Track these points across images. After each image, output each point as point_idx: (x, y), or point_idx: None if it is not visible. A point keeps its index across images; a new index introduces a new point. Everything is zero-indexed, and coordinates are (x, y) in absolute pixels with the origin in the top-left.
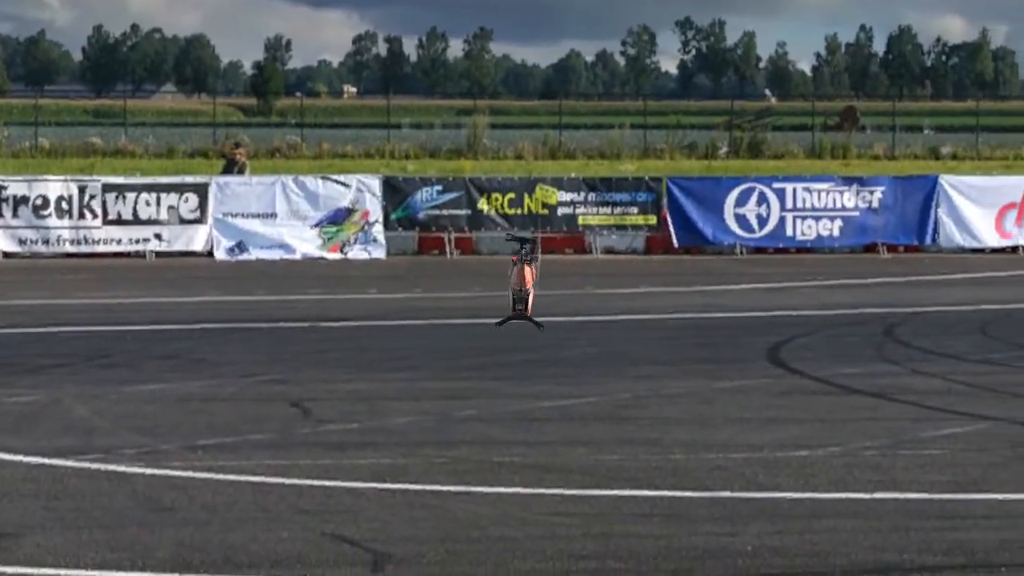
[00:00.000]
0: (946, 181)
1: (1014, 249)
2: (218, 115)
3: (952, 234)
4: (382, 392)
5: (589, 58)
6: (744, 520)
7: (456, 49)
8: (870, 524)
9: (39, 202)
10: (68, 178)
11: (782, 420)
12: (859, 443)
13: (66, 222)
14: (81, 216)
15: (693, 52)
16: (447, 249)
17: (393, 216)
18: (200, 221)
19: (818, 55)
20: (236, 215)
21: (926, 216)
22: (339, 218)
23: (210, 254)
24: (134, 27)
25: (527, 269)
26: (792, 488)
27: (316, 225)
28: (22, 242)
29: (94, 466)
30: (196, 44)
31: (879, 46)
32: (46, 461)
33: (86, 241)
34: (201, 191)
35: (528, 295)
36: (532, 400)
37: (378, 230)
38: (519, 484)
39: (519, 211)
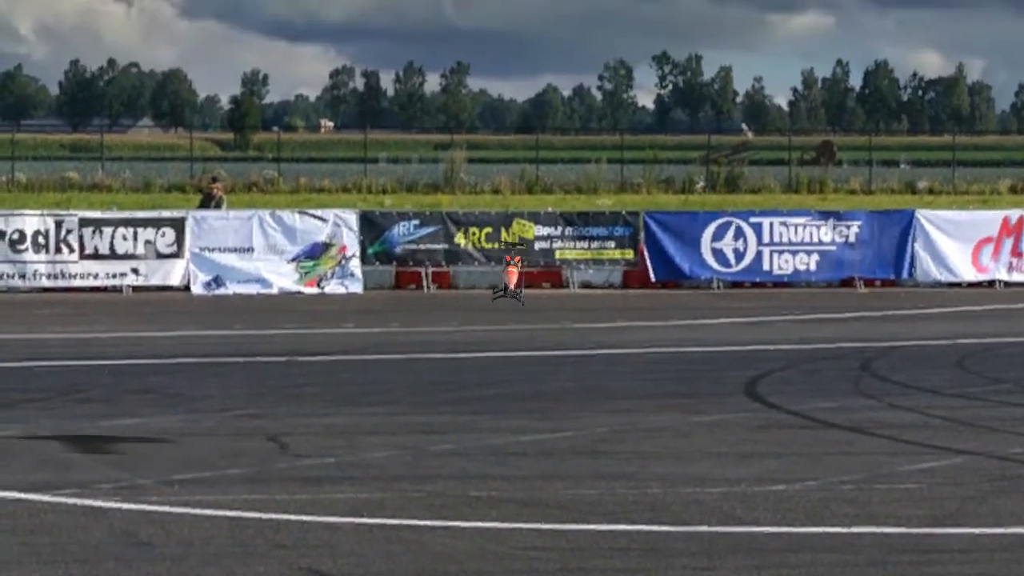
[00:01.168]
0: (923, 215)
1: (991, 283)
2: (195, 149)
3: (929, 268)
4: (359, 426)
5: (566, 92)
6: (721, 554)
7: (433, 84)
8: (847, 558)
9: (16, 236)
10: (45, 212)
11: (759, 454)
12: (836, 477)
13: (43, 256)
14: (58, 250)
15: (670, 86)
16: (424, 283)
17: (370, 250)
18: (177, 255)
19: (795, 90)
20: (213, 249)
21: (903, 250)
22: (316, 252)
23: (187, 288)
24: (111, 62)
25: (515, 269)
26: (769, 522)
27: (293, 259)
28: None
29: (70, 501)
30: (173, 78)
31: (855, 81)
32: (22, 496)
33: (63, 275)
34: (178, 225)
35: (513, 286)
36: (509, 434)
37: (355, 264)
38: (496, 519)
39: (496, 245)
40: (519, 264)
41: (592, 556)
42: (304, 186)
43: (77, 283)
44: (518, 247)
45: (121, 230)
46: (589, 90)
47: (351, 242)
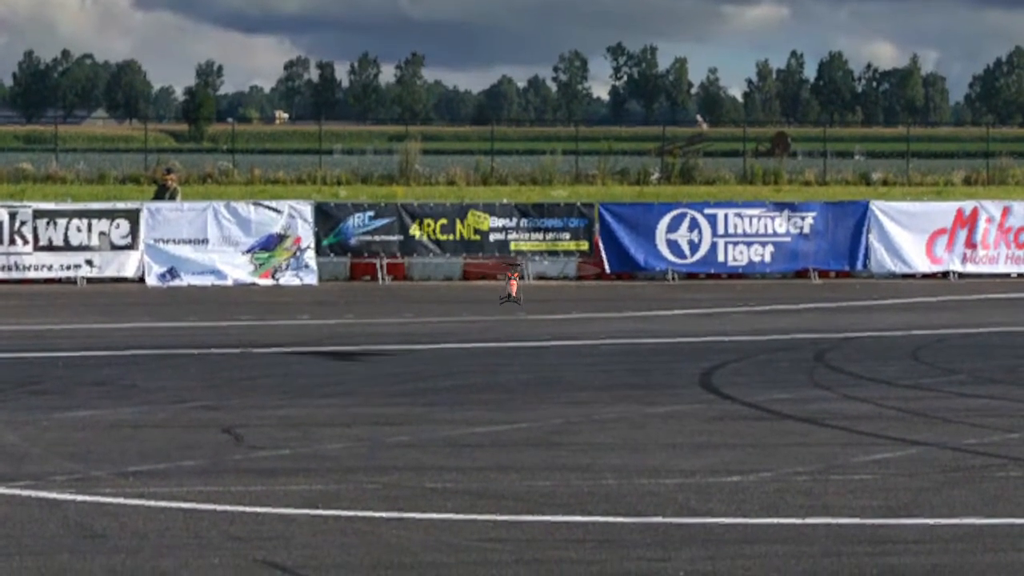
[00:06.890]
0: (877, 207)
1: (944, 275)
2: (149, 141)
3: (883, 260)
4: (314, 418)
5: (521, 84)
6: (676, 545)
7: (388, 75)
8: (802, 549)
9: None
10: None
11: (714, 445)
12: (791, 468)
13: None
14: (12, 242)
15: (625, 78)
16: (379, 275)
17: (325, 242)
18: (131, 247)
19: (749, 81)
20: (167, 241)
21: (857, 242)
22: (271, 244)
23: (141, 280)
24: (65, 53)
25: (515, 282)
26: (724, 513)
27: (248, 251)
28: None
29: (25, 493)
30: (127, 70)
31: (810, 72)
32: None
33: (16, 267)
34: (132, 217)
35: (513, 294)
36: (464, 426)
37: (310, 256)
38: (451, 510)
39: (451, 237)
40: (518, 278)
41: (547, 547)
42: (259, 177)
43: (31, 275)
44: (514, 265)
45: (75, 222)
46: (544, 81)
47: (306, 234)
